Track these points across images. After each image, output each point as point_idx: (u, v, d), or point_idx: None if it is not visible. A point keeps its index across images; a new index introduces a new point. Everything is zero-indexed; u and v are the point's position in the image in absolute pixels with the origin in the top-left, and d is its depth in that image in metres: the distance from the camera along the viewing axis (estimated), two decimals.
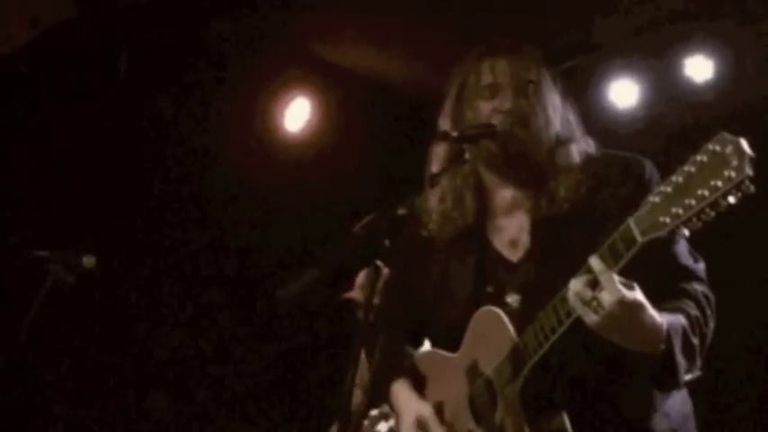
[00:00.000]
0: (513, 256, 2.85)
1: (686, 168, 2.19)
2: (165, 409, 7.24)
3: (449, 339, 2.94)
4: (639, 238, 2.31)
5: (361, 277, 5.12)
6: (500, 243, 2.89)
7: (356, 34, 6.79)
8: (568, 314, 2.48)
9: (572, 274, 2.53)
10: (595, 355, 2.55)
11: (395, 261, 2.97)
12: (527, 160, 2.84)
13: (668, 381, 2.54)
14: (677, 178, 2.21)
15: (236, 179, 7.27)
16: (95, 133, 6.57)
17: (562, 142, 2.84)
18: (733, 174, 2.10)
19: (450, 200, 2.95)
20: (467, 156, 2.87)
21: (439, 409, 2.91)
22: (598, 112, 6.65)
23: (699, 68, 6.43)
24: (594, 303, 2.35)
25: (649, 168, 2.79)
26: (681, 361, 2.52)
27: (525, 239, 2.84)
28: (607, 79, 6.77)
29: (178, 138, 6.96)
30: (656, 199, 2.26)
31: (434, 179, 2.87)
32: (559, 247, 2.72)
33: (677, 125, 6.73)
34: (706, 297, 2.68)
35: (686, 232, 2.24)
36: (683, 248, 2.70)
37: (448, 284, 2.93)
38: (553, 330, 2.52)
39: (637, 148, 6.25)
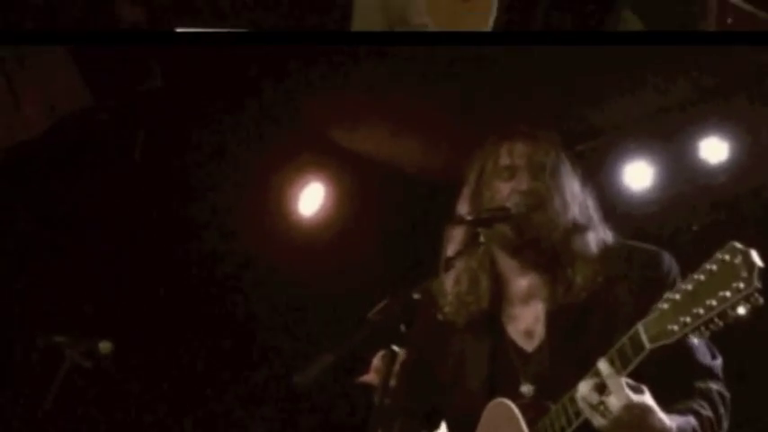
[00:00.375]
0: (529, 345, 2.83)
1: (696, 276, 2.21)
2: None
3: (463, 426, 2.91)
4: (647, 345, 2.33)
5: (377, 360, 5.13)
6: (515, 332, 2.87)
7: (372, 119, 6.84)
8: (577, 414, 2.48)
9: (587, 365, 2.53)
10: None
11: (412, 343, 2.97)
12: (542, 245, 2.83)
13: None
14: (686, 286, 2.24)
15: (250, 262, 7.28)
16: (111, 217, 6.61)
17: (579, 228, 2.82)
18: (741, 285, 2.12)
19: (466, 283, 2.95)
20: (482, 239, 2.87)
21: None
22: (613, 195, 6.66)
23: (713, 150, 6.44)
24: (602, 408, 2.34)
25: (668, 262, 2.77)
26: None
27: (540, 330, 2.82)
28: (621, 161, 6.78)
29: (192, 220, 6.98)
30: (665, 306, 2.29)
31: (449, 263, 2.87)
32: (574, 338, 2.71)
33: (691, 208, 6.74)
34: (721, 396, 2.65)
35: (695, 340, 2.25)
36: (699, 344, 2.67)
37: (463, 370, 2.91)
38: (563, 429, 2.51)
39: (651, 230, 6.38)
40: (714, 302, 2.14)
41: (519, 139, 2.91)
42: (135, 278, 6.84)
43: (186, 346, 7.28)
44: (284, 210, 7.31)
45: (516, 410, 2.65)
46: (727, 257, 2.13)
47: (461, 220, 2.86)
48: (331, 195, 7.36)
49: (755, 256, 2.13)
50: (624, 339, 2.34)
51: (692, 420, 2.50)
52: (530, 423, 2.61)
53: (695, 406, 2.56)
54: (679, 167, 6.66)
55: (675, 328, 2.23)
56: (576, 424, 2.46)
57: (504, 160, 2.89)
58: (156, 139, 6.46)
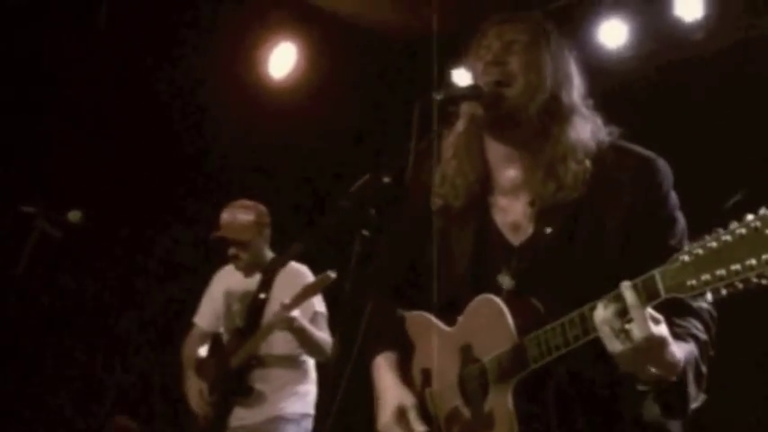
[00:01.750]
0: (515, 239, 2.78)
1: (723, 237, 2.17)
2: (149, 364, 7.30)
3: (443, 309, 2.90)
4: (663, 294, 2.29)
5: (224, 215, 5.51)
6: (502, 223, 2.81)
7: None
8: (577, 338, 2.44)
9: (570, 271, 2.57)
10: (599, 371, 2.52)
11: (393, 226, 2.94)
12: (520, 120, 2.75)
13: (677, 409, 2.50)
14: (712, 243, 2.19)
15: (222, 126, 7.21)
16: (81, 86, 6.50)
17: (566, 111, 2.74)
18: None
19: (454, 167, 2.89)
20: (460, 121, 2.84)
21: (426, 376, 2.89)
22: (588, 53, 6.59)
23: (688, 8, 6.35)
24: (623, 335, 2.32)
25: (662, 171, 2.71)
26: (692, 392, 2.49)
27: (527, 225, 2.77)
28: (597, 20, 6.70)
29: (162, 86, 6.88)
30: (686, 258, 2.23)
31: (424, 148, 2.83)
32: (561, 241, 2.68)
33: (666, 64, 6.69)
34: (711, 317, 2.63)
35: (709, 296, 2.21)
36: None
37: (446, 255, 2.88)
38: (557, 348, 2.49)
39: (626, 87, 6.34)
40: (738, 267, 2.11)
41: (504, 22, 2.84)
42: (105, 147, 6.78)
43: (156, 215, 7.27)
44: (253, 72, 7.19)
45: (507, 312, 2.62)
46: (759, 224, 2.09)
47: (430, 99, 2.78)
48: (303, 56, 7.23)
49: None
50: (640, 280, 2.29)
51: (693, 349, 2.48)
52: (518, 326, 2.59)
53: (693, 330, 2.55)
54: (654, 25, 6.58)
55: (694, 283, 2.19)
56: (572, 346, 2.44)
57: (484, 41, 2.83)
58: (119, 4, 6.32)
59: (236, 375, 5.29)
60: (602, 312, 2.36)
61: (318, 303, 5.30)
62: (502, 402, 2.59)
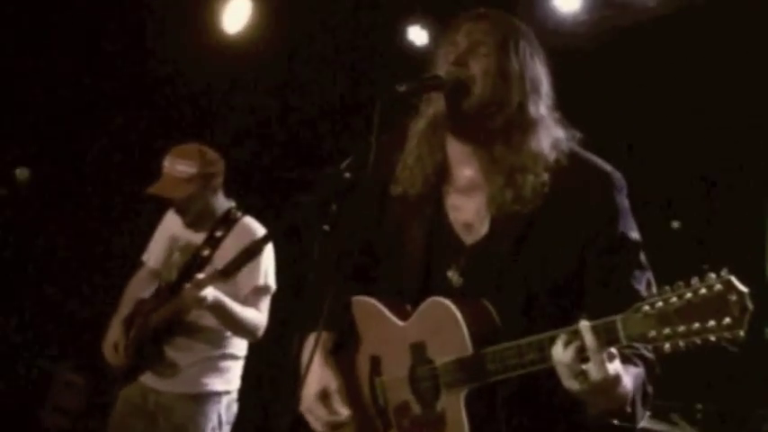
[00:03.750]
0: (467, 238, 2.80)
1: (686, 295, 2.24)
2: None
3: (390, 297, 2.92)
4: (624, 341, 2.34)
5: (165, 164, 4.79)
6: (455, 221, 2.82)
7: None
8: (533, 362, 2.48)
9: (519, 279, 2.62)
10: (549, 378, 2.50)
11: (351, 209, 2.94)
12: (479, 123, 2.74)
13: (625, 429, 2.57)
14: (674, 299, 2.25)
15: (175, 79, 7.13)
16: (27, 42, 6.39)
17: (530, 122, 2.72)
18: (729, 322, 2.17)
19: (413, 157, 2.89)
20: (422, 109, 2.84)
21: (375, 364, 2.92)
22: (542, 18, 6.59)
23: None
24: (581, 377, 2.37)
25: (617, 186, 2.72)
26: (639, 413, 2.55)
27: (481, 227, 2.78)
28: None
29: (115, 40, 6.78)
30: (648, 309, 2.29)
31: (392, 138, 2.83)
32: (512, 249, 2.70)
33: (619, 29, 6.70)
34: None
35: (667, 346, 2.26)
36: (638, 275, 2.67)
37: (398, 244, 2.90)
38: (514, 368, 2.53)
39: (579, 51, 6.35)
40: (698, 326, 2.19)
41: (476, 19, 2.81)
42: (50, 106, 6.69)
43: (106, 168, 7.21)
44: (206, 27, 7.09)
45: (461, 320, 2.63)
46: (720, 288, 2.17)
47: (392, 93, 2.76)
48: (258, 11, 7.14)
49: (748, 301, 2.15)
50: (601, 322, 2.33)
51: (641, 372, 2.53)
52: (473, 334, 2.60)
53: (641, 349, 2.57)
54: None
55: (655, 335, 2.26)
56: (528, 369, 2.48)
57: (453, 37, 2.81)
58: None
59: (151, 335, 4.82)
60: (561, 352, 2.40)
61: (265, 276, 4.81)
62: (454, 407, 2.63)
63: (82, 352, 6.96)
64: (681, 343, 2.24)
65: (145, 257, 5.18)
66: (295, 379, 2.87)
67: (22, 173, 5.42)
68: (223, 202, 4.97)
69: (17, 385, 7.16)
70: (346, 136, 7.04)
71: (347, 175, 2.70)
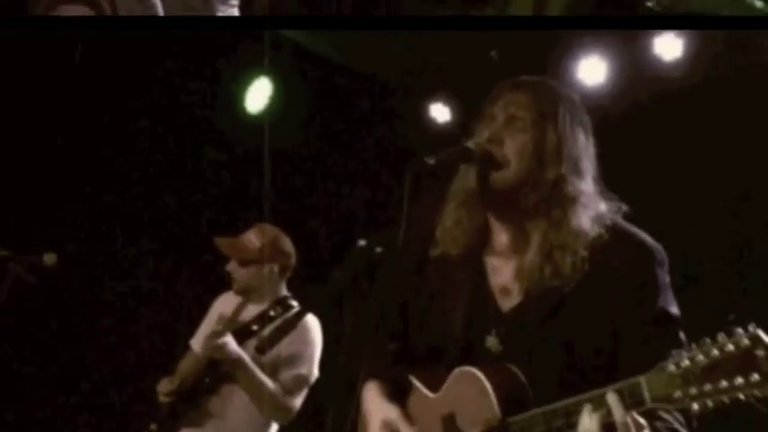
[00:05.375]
0: (504, 303, 2.76)
1: (712, 352, 2.18)
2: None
3: (428, 361, 2.86)
4: (649, 404, 2.28)
5: None
6: (495, 284, 2.80)
7: None
8: (559, 430, 2.42)
9: (552, 351, 2.60)
10: None
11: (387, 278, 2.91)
12: (513, 198, 2.71)
13: None
14: (700, 357, 2.20)
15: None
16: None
17: (568, 199, 2.68)
18: (758, 379, 2.11)
19: (452, 220, 2.86)
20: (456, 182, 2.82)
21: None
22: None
23: (668, 47, 6.36)
24: None
25: (659, 260, 2.68)
26: None
27: (517, 293, 2.74)
28: (576, 56, 6.70)
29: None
30: (673, 369, 2.23)
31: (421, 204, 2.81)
32: (547, 321, 2.65)
33: (644, 101, 6.69)
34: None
35: (695, 407, 2.19)
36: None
37: (439, 308, 2.85)
38: None
39: (603, 122, 6.33)
40: (725, 384, 2.13)
41: (516, 89, 2.78)
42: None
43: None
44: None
45: (491, 390, 2.57)
46: (748, 344, 2.10)
47: (422, 165, 2.74)
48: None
49: None
50: (626, 383, 2.28)
51: None
52: (501, 401, 2.53)
53: (675, 424, 2.49)
54: (633, 63, 6.58)
55: (680, 395, 2.19)
56: None
57: (490, 109, 2.78)
58: None
59: (186, 394, 4.78)
60: (587, 421, 2.34)
61: (309, 364, 4.76)
62: None
63: None
64: (709, 403, 2.17)
65: (192, 342, 5.13)
66: None
67: (49, 258, 5.40)
68: (283, 289, 5.01)
69: None
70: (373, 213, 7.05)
71: (378, 249, 2.68)
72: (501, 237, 2.81)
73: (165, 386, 4.83)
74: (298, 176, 7.50)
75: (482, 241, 2.85)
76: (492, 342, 2.72)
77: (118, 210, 7.15)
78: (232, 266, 4.94)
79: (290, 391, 4.71)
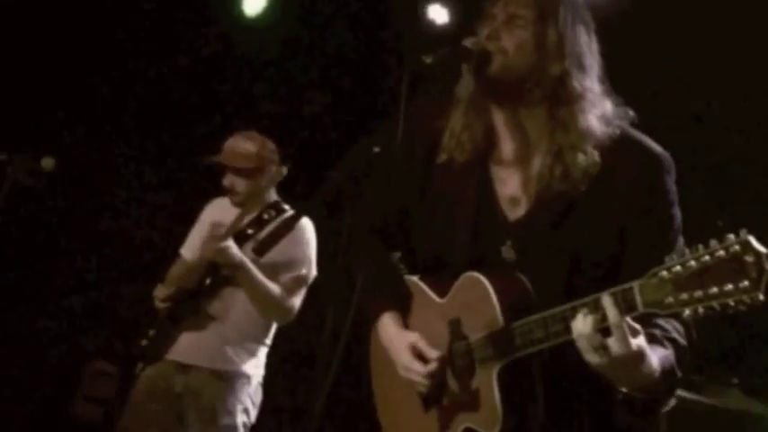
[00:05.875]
0: (511, 213, 2.76)
1: (703, 257, 2.17)
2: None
3: (434, 270, 2.88)
4: (641, 308, 2.28)
5: (227, 143, 4.98)
6: (502, 194, 2.79)
7: None
8: (557, 334, 2.44)
9: (561, 257, 2.59)
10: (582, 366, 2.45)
11: (386, 179, 2.93)
12: (517, 94, 2.69)
13: (649, 412, 2.52)
14: (691, 263, 2.18)
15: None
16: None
17: (574, 96, 2.65)
18: (747, 284, 2.09)
19: (460, 124, 2.84)
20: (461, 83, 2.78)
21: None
22: None
23: None
24: (601, 351, 2.31)
25: (667, 168, 2.66)
26: (664, 399, 2.51)
27: (525, 202, 2.74)
28: None
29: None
30: (665, 275, 2.22)
31: (424, 105, 2.79)
32: (556, 228, 2.64)
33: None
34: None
35: (686, 313, 2.19)
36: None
37: (447, 215, 2.85)
38: (540, 341, 2.48)
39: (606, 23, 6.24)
40: (716, 290, 2.12)
41: None
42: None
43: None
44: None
45: (493, 294, 2.59)
46: (738, 249, 2.08)
47: (420, 63, 2.71)
48: None
49: (767, 262, 2.07)
50: (619, 289, 2.29)
51: (669, 354, 2.47)
52: (504, 308, 2.57)
53: (673, 333, 2.53)
54: None
55: (672, 301, 2.19)
56: (552, 342, 2.43)
57: (489, 10, 2.74)
58: None
59: (190, 295, 4.83)
60: (581, 325, 2.35)
61: (308, 265, 4.87)
62: (487, 385, 2.59)
63: (113, 340, 7.01)
64: (699, 309, 2.17)
65: (183, 250, 5.18)
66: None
67: (47, 162, 5.40)
68: (273, 194, 5.07)
69: (49, 377, 7.18)
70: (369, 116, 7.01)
71: (376, 148, 2.67)
72: (507, 145, 2.80)
73: (161, 291, 4.90)
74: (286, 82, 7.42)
75: (489, 148, 2.83)
76: (508, 252, 2.72)
77: (115, 113, 7.11)
78: (230, 179, 4.97)
79: (290, 290, 4.80)
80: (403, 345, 2.83)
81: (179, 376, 4.80)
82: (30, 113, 6.51)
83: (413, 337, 2.83)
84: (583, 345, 2.34)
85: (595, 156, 2.65)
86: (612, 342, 2.30)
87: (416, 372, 2.76)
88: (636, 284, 2.28)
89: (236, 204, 4.96)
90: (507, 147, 2.80)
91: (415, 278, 2.97)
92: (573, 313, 2.39)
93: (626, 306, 2.30)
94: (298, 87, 7.50)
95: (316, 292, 4.89)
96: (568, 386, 2.62)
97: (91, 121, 6.94)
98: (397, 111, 2.62)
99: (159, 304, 4.89)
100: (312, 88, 7.53)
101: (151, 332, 4.94)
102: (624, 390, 2.42)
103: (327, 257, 4.75)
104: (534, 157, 2.74)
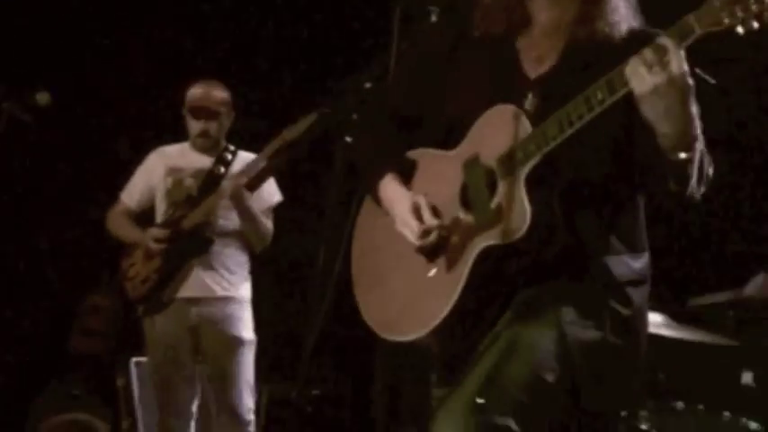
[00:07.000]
0: (534, 72, 2.74)
1: None
2: None
3: (448, 138, 2.83)
4: (698, 29, 2.32)
5: (197, 90, 5.29)
6: (526, 58, 2.77)
7: None
8: (602, 101, 2.44)
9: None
10: (608, 154, 2.55)
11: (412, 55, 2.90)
12: None
13: (677, 188, 2.54)
14: None
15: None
16: None
17: None
18: None
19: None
20: None
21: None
22: None
23: None
24: (658, 68, 2.33)
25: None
26: (693, 174, 2.52)
27: (553, 57, 2.73)
28: None
29: None
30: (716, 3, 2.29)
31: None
32: (580, 78, 2.57)
33: None
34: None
35: (740, 30, 2.26)
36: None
37: (460, 82, 2.81)
38: (580, 117, 2.47)
39: None
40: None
41: None
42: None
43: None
44: None
45: (523, 114, 2.57)
46: None
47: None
48: None
49: None
50: (679, 23, 2.32)
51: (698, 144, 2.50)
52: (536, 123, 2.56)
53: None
54: None
55: (727, 18, 2.24)
56: (595, 112, 2.43)
57: None
58: None
59: (189, 234, 5.16)
60: (634, 59, 2.38)
61: (276, 195, 5.35)
62: (510, 193, 2.57)
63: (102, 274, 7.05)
64: (755, 24, 2.25)
65: (124, 196, 5.48)
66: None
67: (42, 97, 5.37)
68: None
69: (44, 315, 7.24)
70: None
71: (368, 84, 2.67)
72: (542, 16, 2.77)
73: (158, 232, 5.25)
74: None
75: (521, 23, 2.80)
76: (530, 104, 2.68)
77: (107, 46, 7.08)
78: (203, 124, 5.29)
79: (268, 218, 5.31)
80: (407, 202, 2.80)
81: (192, 308, 5.18)
82: (25, 47, 6.48)
83: (422, 199, 2.79)
84: (638, 71, 2.37)
85: (622, 27, 2.67)
86: (671, 60, 2.33)
87: (411, 228, 2.74)
88: (691, 15, 2.33)
89: (204, 149, 5.34)
90: (542, 18, 2.77)
91: (423, 149, 2.93)
92: (620, 78, 2.42)
93: (682, 33, 2.35)
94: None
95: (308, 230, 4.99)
96: (592, 209, 2.65)
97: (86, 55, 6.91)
98: (389, 46, 2.63)
99: (153, 245, 5.16)
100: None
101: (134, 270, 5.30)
102: (666, 131, 2.44)
103: (319, 197, 4.80)
104: (563, 24, 2.73)
